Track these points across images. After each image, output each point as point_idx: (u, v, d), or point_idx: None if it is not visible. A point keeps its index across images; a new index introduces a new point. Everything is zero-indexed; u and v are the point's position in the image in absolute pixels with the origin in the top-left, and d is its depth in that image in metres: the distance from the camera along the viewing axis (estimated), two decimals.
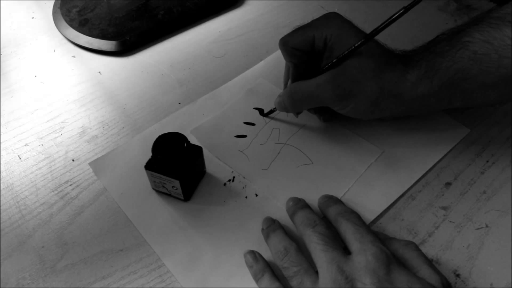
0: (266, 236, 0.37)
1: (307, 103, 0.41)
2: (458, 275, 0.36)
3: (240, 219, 0.40)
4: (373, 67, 0.38)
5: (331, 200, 0.39)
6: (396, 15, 0.35)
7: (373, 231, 0.35)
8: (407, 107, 0.40)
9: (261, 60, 0.53)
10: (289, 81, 0.43)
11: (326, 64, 0.40)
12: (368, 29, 0.39)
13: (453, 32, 0.38)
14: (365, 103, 0.39)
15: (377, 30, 0.36)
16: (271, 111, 0.47)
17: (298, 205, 0.38)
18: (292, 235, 0.38)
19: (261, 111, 0.48)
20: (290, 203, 0.39)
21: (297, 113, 0.45)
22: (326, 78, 0.39)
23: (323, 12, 0.52)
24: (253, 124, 0.47)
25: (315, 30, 0.40)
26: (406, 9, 0.34)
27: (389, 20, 0.36)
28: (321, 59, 0.41)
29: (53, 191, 0.42)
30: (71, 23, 0.56)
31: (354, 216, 0.36)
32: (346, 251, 0.34)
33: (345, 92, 0.38)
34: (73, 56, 0.55)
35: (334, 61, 0.39)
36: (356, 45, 0.37)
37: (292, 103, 0.41)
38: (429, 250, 0.38)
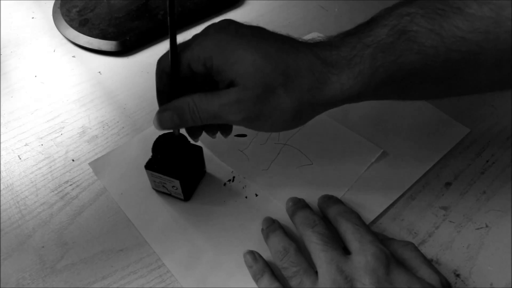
0: (266, 236, 0.37)
1: (211, 121, 0.33)
2: (458, 275, 0.36)
3: (240, 219, 0.40)
4: (281, 80, 0.31)
5: (331, 200, 0.39)
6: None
7: (372, 231, 0.35)
8: (335, 106, 0.33)
9: None
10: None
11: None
12: None
13: (393, 16, 0.31)
14: (284, 119, 0.32)
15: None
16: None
17: (298, 205, 0.38)
18: (292, 235, 0.38)
19: None
20: (290, 203, 0.39)
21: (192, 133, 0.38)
22: (229, 99, 0.31)
23: (323, 12, 0.52)
24: None
25: (190, 52, 0.32)
26: None
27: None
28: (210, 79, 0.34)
29: (53, 191, 0.42)
30: (71, 23, 0.56)
31: (354, 216, 0.36)
32: (346, 251, 0.34)
33: (254, 115, 0.32)
34: (73, 56, 0.55)
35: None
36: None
37: (193, 119, 0.33)
38: (429, 250, 0.38)
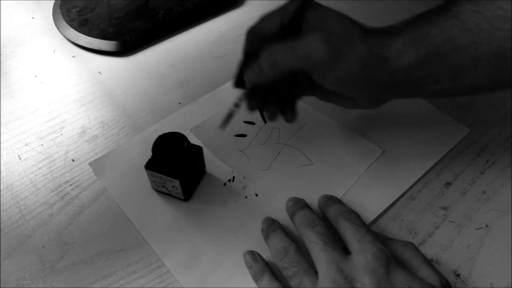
0: (266, 236, 0.37)
1: (290, 63, 0.35)
2: (458, 275, 0.36)
3: (240, 219, 0.40)
4: (358, 29, 0.35)
5: (331, 200, 0.39)
6: None
7: (372, 231, 0.35)
8: (393, 81, 0.36)
9: None
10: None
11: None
12: None
13: (441, 5, 0.35)
14: (354, 65, 0.35)
15: None
16: (230, 116, 0.39)
17: (298, 205, 0.38)
18: (292, 235, 0.38)
19: (261, 110, 0.48)
20: (290, 203, 0.39)
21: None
22: (313, 36, 0.34)
23: None
24: (253, 123, 0.47)
25: (282, 9, 0.37)
26: None
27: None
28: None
29: (53, 191, 0.42)
30: (71, 23, 0.56)
31: (354, 216, 0.36)
32: (345, 251, 0.34)
33: (335, 49, 0.34)
34: (73, 56, 0.55)
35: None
36: None
37: (272, 62, 0.35)
38: (429, 250, 0.38)
